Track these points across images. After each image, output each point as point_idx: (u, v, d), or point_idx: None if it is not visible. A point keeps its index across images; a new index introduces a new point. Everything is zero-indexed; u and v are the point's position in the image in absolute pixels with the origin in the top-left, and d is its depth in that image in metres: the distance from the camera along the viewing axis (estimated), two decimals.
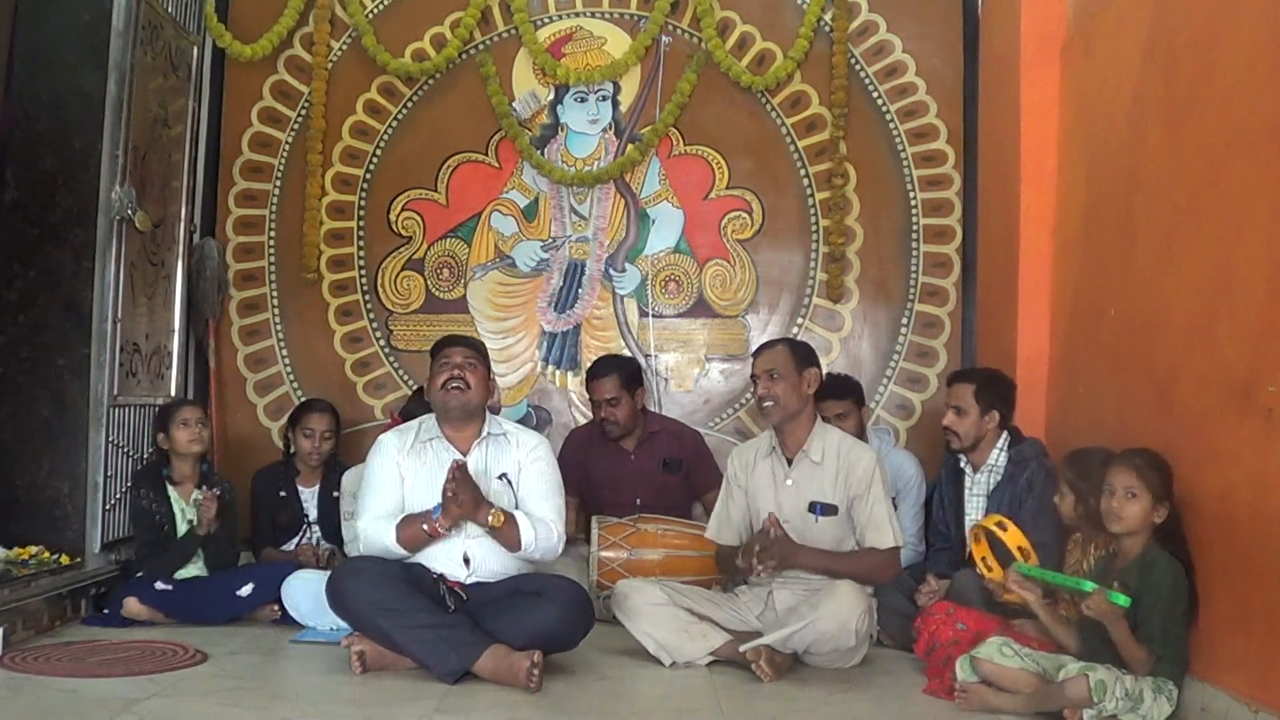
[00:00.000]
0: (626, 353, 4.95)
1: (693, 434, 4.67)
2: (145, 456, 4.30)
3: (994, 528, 3.18)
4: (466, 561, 3.41)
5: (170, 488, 4.04)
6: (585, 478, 4.46)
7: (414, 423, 3.65)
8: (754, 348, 4.91)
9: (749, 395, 4.97)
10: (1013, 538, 3.15)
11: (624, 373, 4.47)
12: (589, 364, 4.84)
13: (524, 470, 3.54)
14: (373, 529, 3.41)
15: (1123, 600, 2.76)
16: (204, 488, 4.04)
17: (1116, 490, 2.92)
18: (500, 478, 3.51)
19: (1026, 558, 3.12)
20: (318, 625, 3.73)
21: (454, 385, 3.47)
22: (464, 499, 3.28)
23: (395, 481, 3.50)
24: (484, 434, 3.55)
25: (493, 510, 3.33)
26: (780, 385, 3.52)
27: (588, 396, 4.60)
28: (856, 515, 3.48)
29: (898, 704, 3.09)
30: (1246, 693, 2.64)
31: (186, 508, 4.04)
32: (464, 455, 3.49)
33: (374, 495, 3.49)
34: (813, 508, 3.49)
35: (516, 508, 3.47)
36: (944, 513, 3.87)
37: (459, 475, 3.29)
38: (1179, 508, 2.92)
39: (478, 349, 3.59)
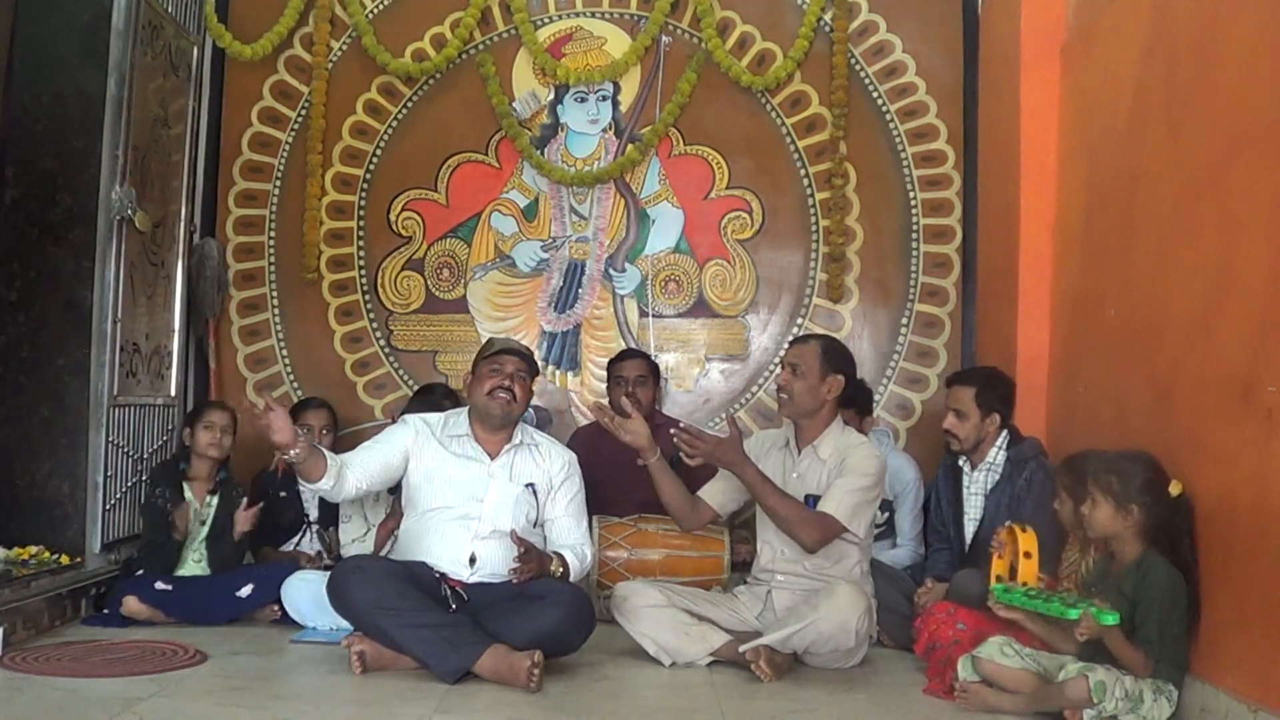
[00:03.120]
0: None
1: None
2: (145, 456, 4.31)
3: (1017, 529, 3.17)
4: (472, 561, 3.42)
5: (185, 485, 4.04)
6: (589, 476, 4.46)
7: (438, 416, 3.66)
8: (753, 348, 4.96)
9: (749, 395, 4.99)
10: (1026, 541, 3.13)
11: (650, 362, 4.64)
12: (589, 364, 4.89)
13: (556, 491, 3.58)
14: (344, 469, 3.43)
15: (1111, 619, 2.74)
16: (243, 500, 4.08)
17: (1088, 497, 2.95)
18: (527, 486, 3.53)
19: (1029, 558, 3.11)
20: (318, 625, 3.73)
21: (502, 394, 3.48)
22: (531, 564, 3.32)
23: (395, 456, 3.52)
24: (515, 441, 3.57)
25: (553, 563, 3.41)
26: (798, 383, 3.52)
27: (608, 380, 4.62)
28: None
29: (898, 704, 3.08)
30: (1246, 693, 2.64)
31: (200, 508, 4.04)
32: (493, 459, 3.53)
33: (371, 446, 3.55)
34: (807, 500, 3.49)
35: (537, 519, 3.54)
36: (942, 512, 3.85)
37: (521, 543, 3.32)
38: (1181, 508, 2.90)
39: (530, 362, 3.60)
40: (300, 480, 3.46)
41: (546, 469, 3.58)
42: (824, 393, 3.52)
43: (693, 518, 3.66)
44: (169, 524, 3.96)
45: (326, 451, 3.46)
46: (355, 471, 3.47)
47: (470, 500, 3.46)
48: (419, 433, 3.57)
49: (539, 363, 5.00)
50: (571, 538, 3.56)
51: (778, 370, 3.62)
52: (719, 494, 3.66)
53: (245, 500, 4.07)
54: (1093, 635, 2.78)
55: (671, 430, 3.53)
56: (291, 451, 3.28)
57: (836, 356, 3.57)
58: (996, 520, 3.58)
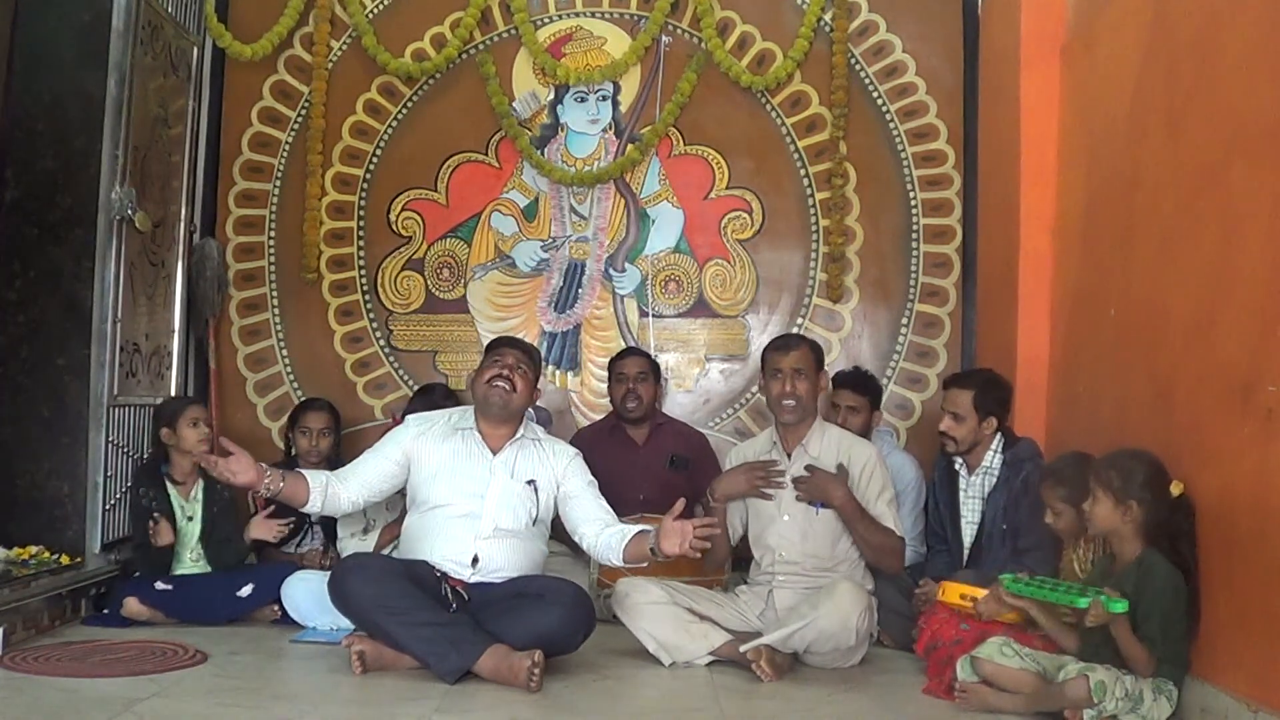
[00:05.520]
0: None
1: (699, 435, 4.71)
2: (145, 457, 4.29)
3: (944, 600, 3.19)
4: (474, 562, 3.41)
5: (170, 486, 4.03)
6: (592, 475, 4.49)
7: (443, 411, 3.68)
8: (754, 348, 4.94)
9: (749, 395, 4.98)
10: (951, 593, 3.16)
11: (651, 360, 4.64)
12: (589, 364, 4.91)
13: (566, 480, 3.55)
14: (333, 486, 3.46)
15: (1120, 606, 2.75)
16: (226, 494, 4.05)
17: (1089, 494, 2.95)
18: (528, 483, 3.52)
19: (973, 600, 3.11)
20: (318, 625, 3.73)
21: (500, 383, 3.48)
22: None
23: (393, 462, 3.53)
24: (518, 436, 3.56)
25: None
26: (805, 385, 3.57)
27: (609, 379, 4.61)
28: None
29: (898, 704, 3.09)
30: (1246, 692, 2.64)
31: (185, 504, 4.02)
32: (495, 453, 3.52)
33: (369, 456, 3.56)
34: (813, 502, 3.50)
35: (538, 516, 3.51)
36: (940, 516, 3.85)
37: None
38: (1182, 508, 2.90)
39: (533, 356, 3.60)
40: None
41: (550, 465, 3.56)
42: (820, 390, 3.64)
43: (723, 557, 3.76)
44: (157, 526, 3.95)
45: (307, 472, 3.47)
46: (353, 484, 3.50)
47: (472, 497, 3.45)
48: (421, 434, 3.57)
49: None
50: (600, 513, 3.47)
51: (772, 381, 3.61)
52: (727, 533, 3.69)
53: (271, 508, 3.97)
54: (1101, 622, 2.78)
55: (794, 477, 3.54)
56: (263, 487, 3.31)
57: (821, 354, 3.72)
58: (995, 524, 3.59)
